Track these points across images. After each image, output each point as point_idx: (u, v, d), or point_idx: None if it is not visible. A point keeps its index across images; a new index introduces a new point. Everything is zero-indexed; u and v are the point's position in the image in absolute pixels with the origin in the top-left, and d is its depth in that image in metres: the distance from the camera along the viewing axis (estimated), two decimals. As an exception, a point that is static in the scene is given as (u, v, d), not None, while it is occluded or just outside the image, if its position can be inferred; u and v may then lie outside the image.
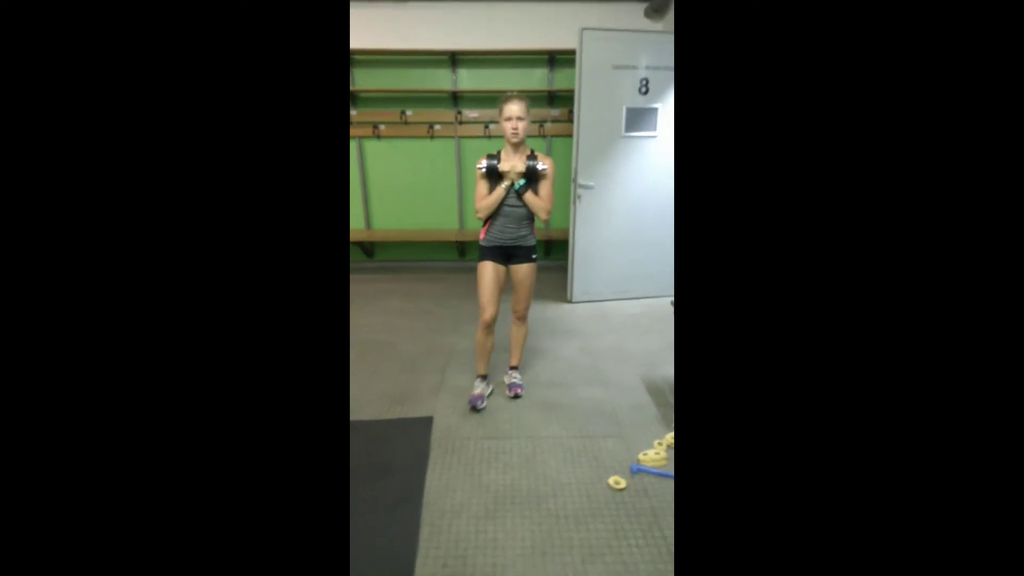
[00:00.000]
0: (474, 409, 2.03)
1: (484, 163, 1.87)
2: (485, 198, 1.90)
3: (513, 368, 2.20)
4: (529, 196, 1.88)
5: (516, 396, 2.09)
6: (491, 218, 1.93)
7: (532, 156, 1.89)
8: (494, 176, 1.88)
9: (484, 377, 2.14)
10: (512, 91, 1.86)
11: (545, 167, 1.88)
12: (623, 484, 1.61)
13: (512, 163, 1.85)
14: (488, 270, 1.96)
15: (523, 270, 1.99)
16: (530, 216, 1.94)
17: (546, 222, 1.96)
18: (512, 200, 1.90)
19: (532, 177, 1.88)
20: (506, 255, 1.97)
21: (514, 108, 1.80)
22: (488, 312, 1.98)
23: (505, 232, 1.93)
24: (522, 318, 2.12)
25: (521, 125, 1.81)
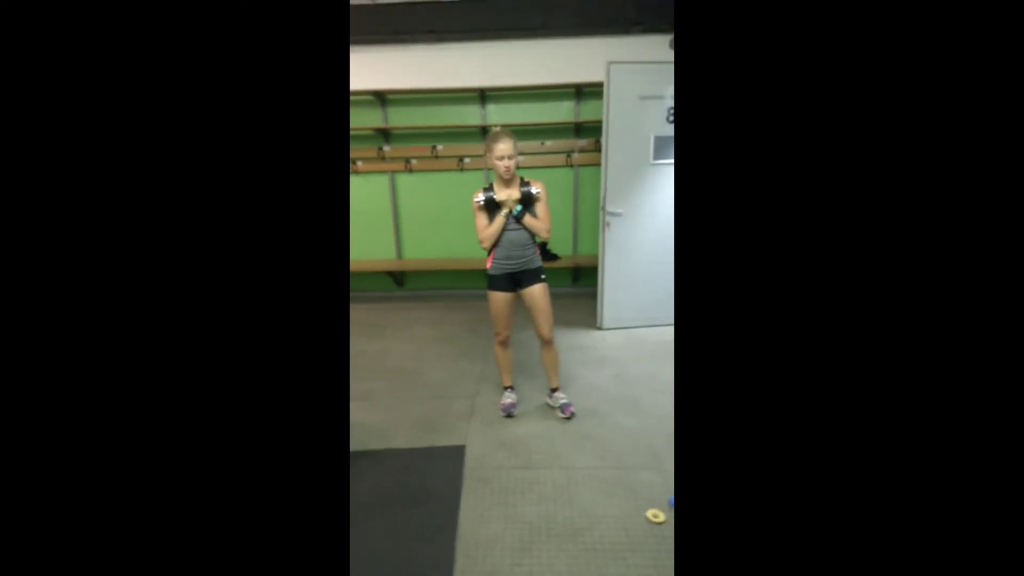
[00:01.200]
0: (509, 416, 2.19)
1: (481, 196, 2.00)
2: (486, 228, 2.01)
3: (555, 390, 2.23)
4: (528, 219, 2.00)
5: (571, 416, 2.14)
6: (494, 246, 2.04)
7: (524, 183, 2.01)
8: (492, 207, 2.00)
9: (511, 388, 2.29)
10: (497, 127, 2.01)
11: (538, 190, 2.00)
12: (662, 518, 1.54)
13: (508, 192, 1.98)
14: (498, 299, 2.08)
15: (535, 291, 2.06)
16: (531, 239, 2.05)
17: (545, 239, 2.09)
18: (512, 226, 2.00)
19: (528, 202, 2.00)
20: (514, 281, 2.06)
21: (504, 147, 1.91)
22: (503, 333, 2.16)
23: (511, 257, 2.03)
24: (548, 341, 2.14)
25: (512, 163, 1.94)
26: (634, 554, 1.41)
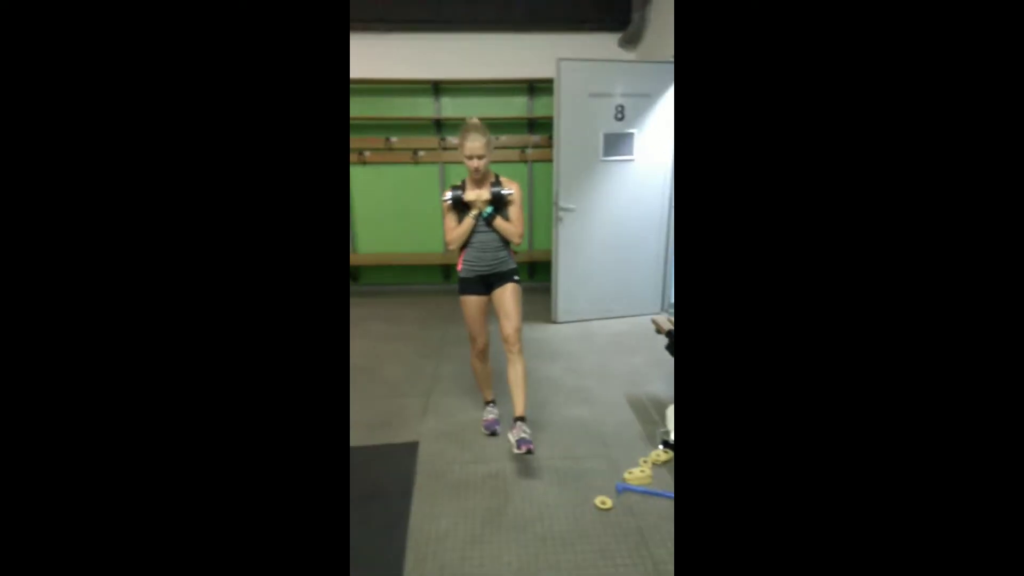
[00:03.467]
0: (492, 434, 2.02)
1: (449, 195, 1.86)
2: (454, 229, 1.88)
3: (519, 419, 1.86)
4: (499, 223, 1.86)
5: (529, 452, 1.75)
6: (465, 247, 1.91)
7: (496, 182, 1.86)
8: (460, 206, 1.86)
9: (492, 403, 2.11)
10: (471, 120, 1.80)
11: (511, 192, 1.86)
12: (609, 504, 1.61)
13: (477, 192, 1.83)
14: (471, 303, 1.94)
15: (507, 289, 1.91)
16: (504, 241, 1.91)
17: (518, 245, 1.95)
18: (482, 228, 1.88)
19: (499, 203, 1.86)
20: (487, 284, 1.93)
21: (474, 146, 1.76)
22: (479, 341, 1.97)
23: (482, 260, 1.90)
24: (516, 349, 1.91)
25: (482, 163, 1.78)
26: (582, 541, 1.47)
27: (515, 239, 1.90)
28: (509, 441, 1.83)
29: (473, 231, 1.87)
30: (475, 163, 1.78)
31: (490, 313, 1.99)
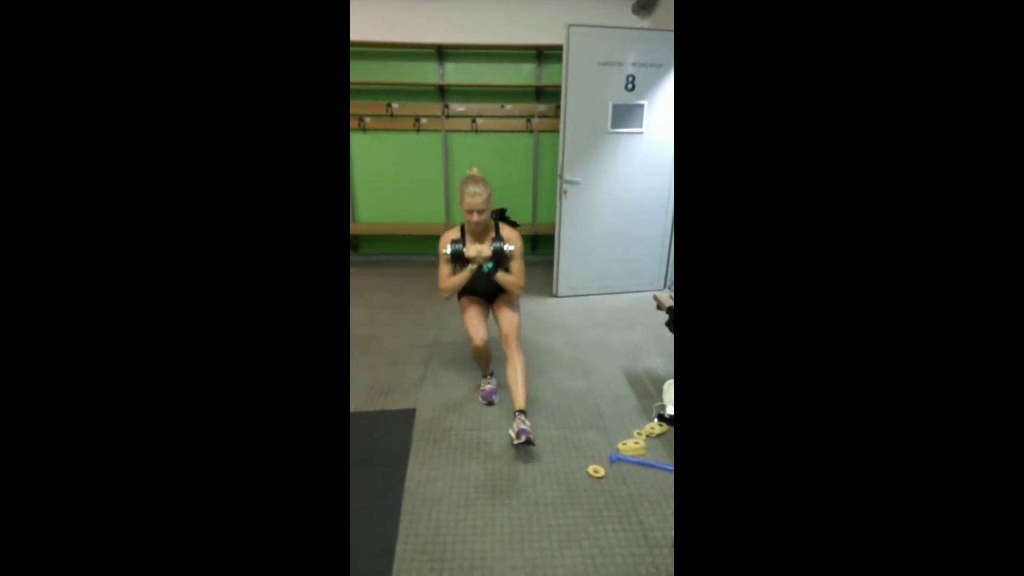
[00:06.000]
0: (490, 403, 2.04)
1: (448, 249, 1.83)
2: (449, 279, 1.87)
3: (520, 412, 1.79)
4: (501, 276, 1.85)
5: (527, 442, 1.67)
6: (463, 293, 1.96)
7: (497, 235, 1.85)
8: (460, 260, 1.85)
9: (491, 374, 2.12)
10: (473, 172, 1.79)
11: (512, 247, 1.83)
12: (602, 472, 1.64)
13: (477, 248, 1.81)
14: (471, 304, 1.97)
15: (508, 295, 1.94)
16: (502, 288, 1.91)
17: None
18: (481, 275, 1.86)
19: (500, 258, 1.84)
20: (488, 297, 2.00)
21: (474, 201, 1.72)
22: (479, 339, 1.91)
23: (477, 292, 1.97)
24: (515, 346, 1.87)
25: (482, 217, 1.76)
26: (573, 507, 1.50)
27: (516, 292, 1.90)
28: (509, 436, 1.79)
29: (473, 278, 1.86)
30: (475, 218, 1.76)
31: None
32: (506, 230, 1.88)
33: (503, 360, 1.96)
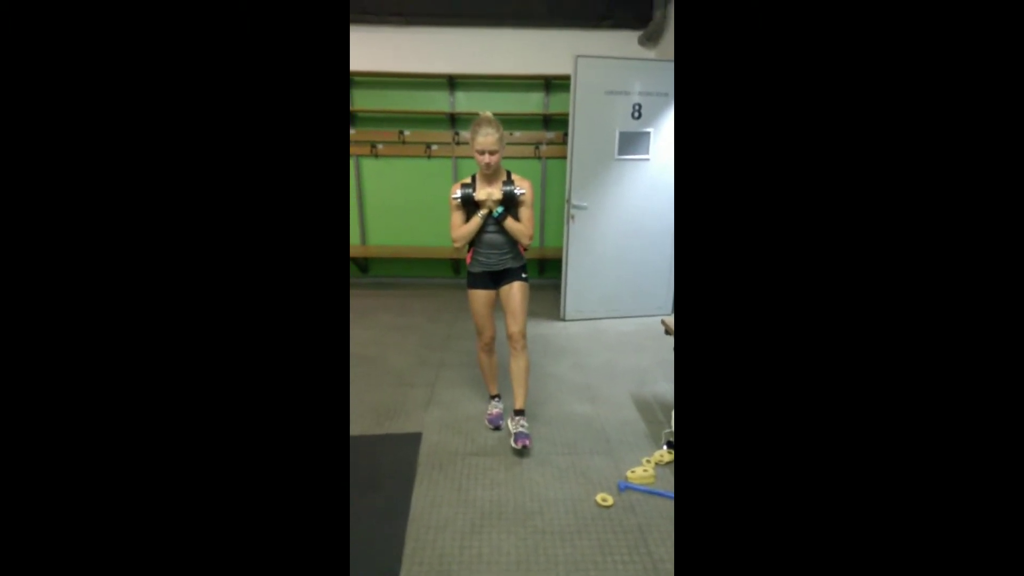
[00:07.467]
0: (496, 428, 2.01)
1: (458, 192, 1.79)
2: (460, 227, 1.82)
3: (519, 413, 1.91)
4: (510, 223, 1.80)
5: (524, 448, 1.79)
6: (473, 244, 1.87)
7: (508, 180, 1.80)
8: (470, 205, 1.80)
9: (497, 397, 2.11)
10: (484, 114, 1.74)
11: (523, 191, 1.80)
12: (610, 501, 1.60)
13: (488, 191, 1.76)
14: (478, 297, 1.93)
15: (513, 287, 1.89)
16: (512, 240, 1.86)
17: (527, 246, 1.92)
18: (491, 227, 1.82)
19: (510, 203, 1.80)
20: (495, 279, 1.91)
21: (486, 140, 1.68)
22: (486, 334, 1.96)
23: (490, 258, 1.87)
24: (520, 346, 1.91)
25: (494, 159, 1.71)
26: (581, 536, 1.46)
27: (525, 240, 1.86)
28: (508, 431, 1.82)
29: (481, 230, 1.83)
30: (487, 158, 1.71)
31: (497, 307, 1.98)
32: (517, 176, 1.84)
33: (507, 374, 1.94)
